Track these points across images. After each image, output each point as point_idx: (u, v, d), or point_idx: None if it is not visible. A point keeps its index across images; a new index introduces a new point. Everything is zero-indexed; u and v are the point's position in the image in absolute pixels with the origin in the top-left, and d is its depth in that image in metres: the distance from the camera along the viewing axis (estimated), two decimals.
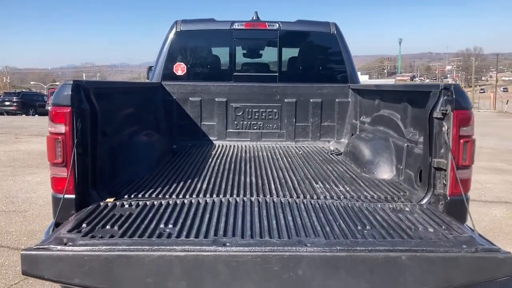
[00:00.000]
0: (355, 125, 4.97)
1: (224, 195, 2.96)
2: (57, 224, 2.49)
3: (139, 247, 2.00)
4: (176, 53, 5.30)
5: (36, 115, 29.84)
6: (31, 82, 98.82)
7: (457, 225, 2.39)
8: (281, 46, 5.33)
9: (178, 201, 2.76)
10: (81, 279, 1.97)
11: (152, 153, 3.83)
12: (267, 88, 5.25)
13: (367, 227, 2.36)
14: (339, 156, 4.46)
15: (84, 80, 2.82)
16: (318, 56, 5.58)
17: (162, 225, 2.35)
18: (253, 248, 2.02)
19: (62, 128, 2.56)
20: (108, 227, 2.29)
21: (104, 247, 2.01)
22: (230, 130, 5.28)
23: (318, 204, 2.76)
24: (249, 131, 5.29)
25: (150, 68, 6.21)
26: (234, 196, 2.93)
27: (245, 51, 5.65)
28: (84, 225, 2.30)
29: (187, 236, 2.20)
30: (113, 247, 2.02)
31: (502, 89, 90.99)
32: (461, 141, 2.59)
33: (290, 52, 5.64)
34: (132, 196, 2.90)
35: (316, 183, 3.33)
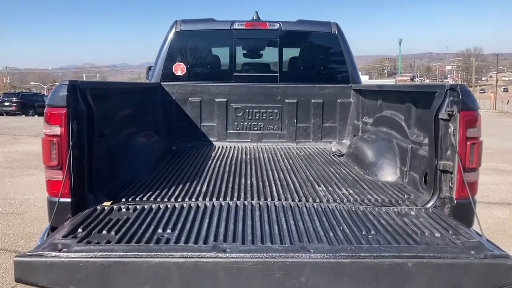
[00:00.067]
0: (357, 126, 4.91)
1: (224, 198, 2.90)
2: (52, 228, 2.44)
3: (136, 253, 1.95)
4: (176, 53, 5.25)
5: (36, 116, 29.76)
6: (31, 83, 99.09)
7: (464, 230, 2.32)
8: (282, 46, 5.28)
9: (177, 205, 2.70)
10: (77, 286, 1.93)
11: (150, 155, 3.78)
12: (268, 88, 5.19)
13: (372, 232, 2.30)
14: (341, 157, 4.40)
15: (81, 80, 2.76)
16: (319, 56, 5.53)
17: (160, 230, 2.29)
18: (254, 254, 1.97)
19: (57, 130, 2.50)
20: (104, 232, 2.23)
21: (100, 253, 1.96)
22: (230, 131, 5.23)
23: (321, 207, 2.69)
24: (250, 132, 5.23)
25: (149, 68, 6.16)
26: (235, 199, 2.88)
27: (245, 51, 5.60)
28: (80, 230, 2.24)
29: (186, 241, 2.14)
30: (110, 253, 1.97)
31: (502, 89, 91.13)
32: (468, 143, 2.52)
33: (291, 52, 5.59)
34: (130, 199, 2.85)
35: (319, 185, 3.27)
